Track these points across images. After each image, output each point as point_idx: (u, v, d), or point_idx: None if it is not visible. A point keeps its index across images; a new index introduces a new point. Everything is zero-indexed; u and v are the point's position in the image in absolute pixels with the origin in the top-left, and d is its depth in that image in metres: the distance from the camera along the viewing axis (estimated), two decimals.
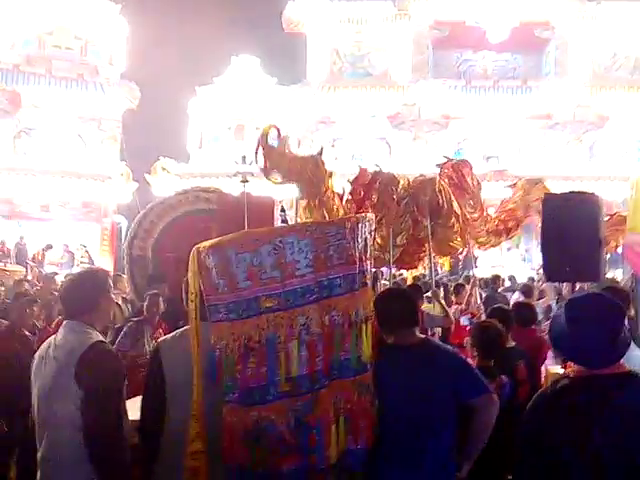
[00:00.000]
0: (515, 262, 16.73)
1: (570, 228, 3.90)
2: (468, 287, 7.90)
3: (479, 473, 2.73)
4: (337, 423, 2.21)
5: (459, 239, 5.60)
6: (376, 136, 18.90)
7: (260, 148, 4.66)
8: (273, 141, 4.73)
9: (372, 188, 5.26)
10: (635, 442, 1.68)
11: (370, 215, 2.53)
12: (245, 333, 2.21)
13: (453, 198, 5.32)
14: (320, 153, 5.08)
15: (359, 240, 2.33)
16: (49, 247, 15.33)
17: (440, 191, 5.14)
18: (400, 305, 2.52)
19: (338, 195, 5.28)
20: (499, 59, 19.28)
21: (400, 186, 5.20)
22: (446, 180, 5.74)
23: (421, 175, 5.53)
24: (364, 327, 2.28)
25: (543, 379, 3.89)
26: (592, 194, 4.15)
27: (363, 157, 18.72)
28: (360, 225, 2.36)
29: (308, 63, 18.95)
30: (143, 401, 2.51)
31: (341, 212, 5.07)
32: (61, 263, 14.87)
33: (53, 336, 2.39)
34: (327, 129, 18.68)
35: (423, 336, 2.66)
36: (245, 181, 9.71)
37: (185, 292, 2.45)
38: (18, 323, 4.14)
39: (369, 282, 2.43)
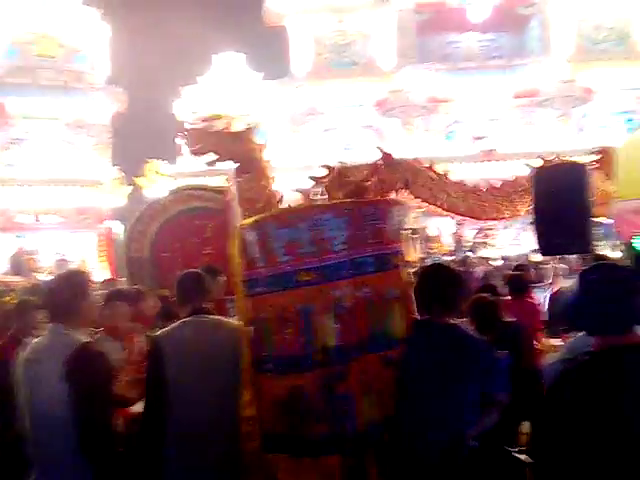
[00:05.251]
0: (511, 241, 16.80)
1: (560, 198, 3.94)
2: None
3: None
4: (366, 394, 2.30)
5: None
6: (365, 124, 18.87)
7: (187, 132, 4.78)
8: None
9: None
10: None
11: (404, 202, 2.61)
12: (282, 304, 2.32)
13: None
14: (251, 129, 5.13)
15: (393, 223, 2.45)
16: (32, 253, 15.11)
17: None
18: (433, 283, 2.52)
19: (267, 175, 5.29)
20: (483, 39, 19.24)
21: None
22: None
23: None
24: (396, 305, 2.38)
25: (540, 349, 3.95)
26: (579, 163, 4.18)
27: (353, 147, 18.73)
28: (395, 208, 2.49)
29: (291, 56, 18.88)
30: (147, 396, 2.58)
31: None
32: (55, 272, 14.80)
33: (35, 340, 2.46)
34: (315, 121, 18.65)
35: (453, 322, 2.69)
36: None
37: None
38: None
39: (401, 263, 2.51)
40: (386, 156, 5.62)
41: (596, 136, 18.11)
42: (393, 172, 5.68)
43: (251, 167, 4.85)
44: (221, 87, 18.08)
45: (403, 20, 18.44)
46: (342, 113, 18.53)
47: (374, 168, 5.70)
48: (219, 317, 2.71)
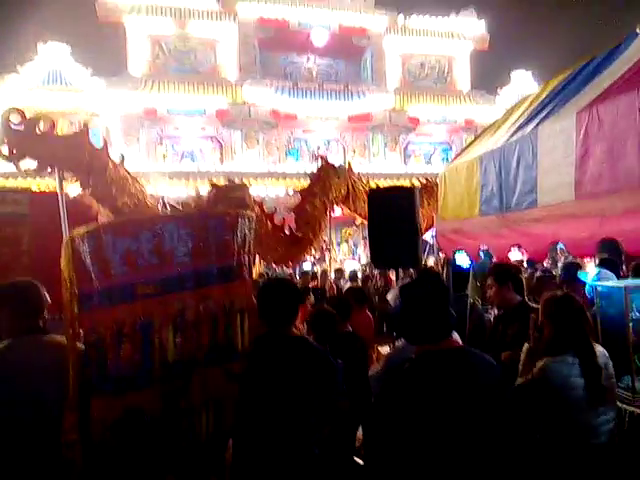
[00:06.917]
0: (344, 256, 17.83)
1: (392, 218, 4.28)
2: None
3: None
4: (208, 408, 2.24)
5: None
6: (206, 135, 18.61)
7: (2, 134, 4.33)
8: (18, 126, 4.41)
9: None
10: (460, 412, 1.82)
11: (250, 212, 2.59)
12: (118, 320, 2.16)
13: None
14: (86, 128, 4.83)
15: (238, 234, 2.41)
16: None
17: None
18: (273, 296, 2.50)
19: (127, 178, 5.04)
20: (322, 63, 20.26)
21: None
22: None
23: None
24: (238, 317, 2.34)
25: (375, 357, 4.20)
26: (409, 187, 4.60)
27: (192, 156, 18.36)
28: (240, 220, 2.43)
29: (129, 56, 17.91)
30: None
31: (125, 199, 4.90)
32: None
33: None
34: (154, 126, 17.89)
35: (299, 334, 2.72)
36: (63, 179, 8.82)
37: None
38: None
39: (246, 275, 2.47)
40: (329, 165, 5.72)
41: (419, 163, 20.21)
42: (339, 180, 5.85)
43: (91, 171, 4.46)
44: (45, 80, 16.42)
45: (245, 34, 18.64)
46: (182, 121, 18.03)
47: (318, 175, 5.80)
48: (49, 335, 2.42)
